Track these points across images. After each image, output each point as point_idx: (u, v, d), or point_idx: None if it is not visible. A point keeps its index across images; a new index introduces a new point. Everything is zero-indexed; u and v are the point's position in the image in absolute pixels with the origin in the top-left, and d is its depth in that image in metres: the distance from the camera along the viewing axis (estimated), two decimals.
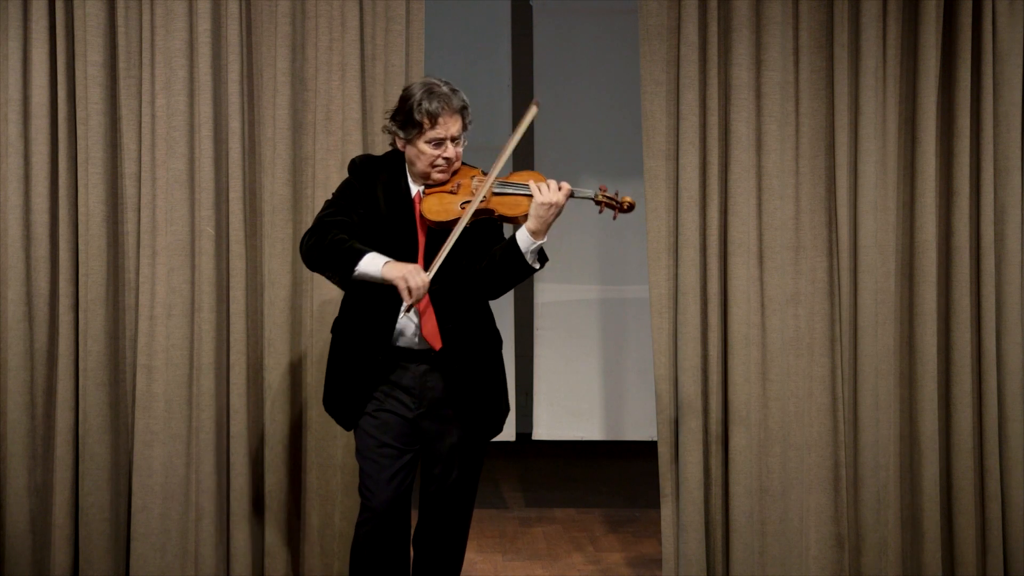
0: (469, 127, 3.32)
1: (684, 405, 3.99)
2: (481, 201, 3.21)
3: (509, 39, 5.90)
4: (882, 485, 4.03)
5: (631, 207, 3.25)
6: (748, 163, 4.00)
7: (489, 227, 3.34)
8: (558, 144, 5.93)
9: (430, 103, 3.22)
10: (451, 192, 3.28)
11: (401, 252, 3.26)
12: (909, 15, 4.07)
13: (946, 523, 4.09)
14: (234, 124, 3.95)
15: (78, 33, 3.92)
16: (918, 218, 4.07)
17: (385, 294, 3.26)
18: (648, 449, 4.95)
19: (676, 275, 4.02)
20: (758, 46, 4.02)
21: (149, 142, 3.95)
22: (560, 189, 3.19)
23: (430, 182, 3.31)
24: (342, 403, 3.39)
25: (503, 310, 6.04)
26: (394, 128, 3.30)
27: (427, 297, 3.24)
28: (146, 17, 3.94)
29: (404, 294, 3.12)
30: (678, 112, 4.02)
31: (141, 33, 3.95)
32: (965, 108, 4.05)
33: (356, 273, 3.18)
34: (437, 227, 3.24)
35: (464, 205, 3.22)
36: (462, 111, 3.27)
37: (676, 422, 4.03)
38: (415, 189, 3.34)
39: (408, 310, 3.20)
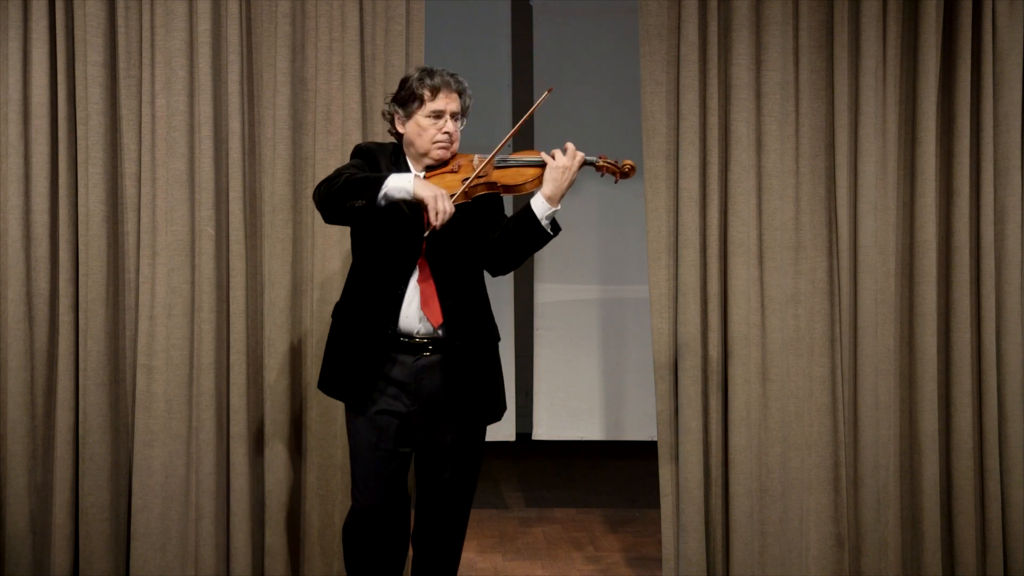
0: (468, 112, 3.40)
1: (684, 405, 3.99)
2: (484, 177, 3.26)
3: (509, 39, 5.91)
4: (882, 485, 4.03)
5: (632, 169, 3.33)
6: (748, 163, 4.01)
7: (491, 203, 3.38)
8: (558, 144, 5.91)
9: (431, 79, 3.33)
10: (452, 171, 3.33)
11: (413, 243, 3.29)
12: (909, 15, 4.07)
13: (946, 523, 4.09)
14: (234, 124, 3.95)
15: (78, 33, 3.92)
16: (918, 218, 4.07)
17: (391, 271, 3.30)
18: (648, 449, 4.95)
19: (676, 275, 4.02)
20: (758, 46, 4.02)
21: (149, 142, 3.95)
22: (575, 156, 3.28)
23: (430, 162, 3.36)
24: (347, 384, 3.38)
25: (503, 310, 6.05)
26: (394, 107, 3.38)
27: (430, 275, 3.30)
28: (146, 17, 3.94)
29: (431, 213, 3.13)
30: (678, 112, 4.02)
31: (141, 33, 3.95)
32: (965, 108, 4.05)
33: (384, 192, 3.15)
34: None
35: (466, 181, 3.26)
36: (461, 93, 3.36)
37: (676, 421, 4.03)
38: (416, 174, 3.36)
39: (430, 232, 3.18)
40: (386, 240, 3.31)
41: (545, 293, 6.11)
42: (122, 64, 3.96)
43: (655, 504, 4.13)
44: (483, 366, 3.40)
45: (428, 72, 3.34)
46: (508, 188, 3.29)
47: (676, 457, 4.03)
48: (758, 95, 4.02)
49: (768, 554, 4.01)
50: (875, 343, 4.02)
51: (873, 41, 4.03)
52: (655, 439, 4.12)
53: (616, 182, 3.39)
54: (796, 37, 4.06)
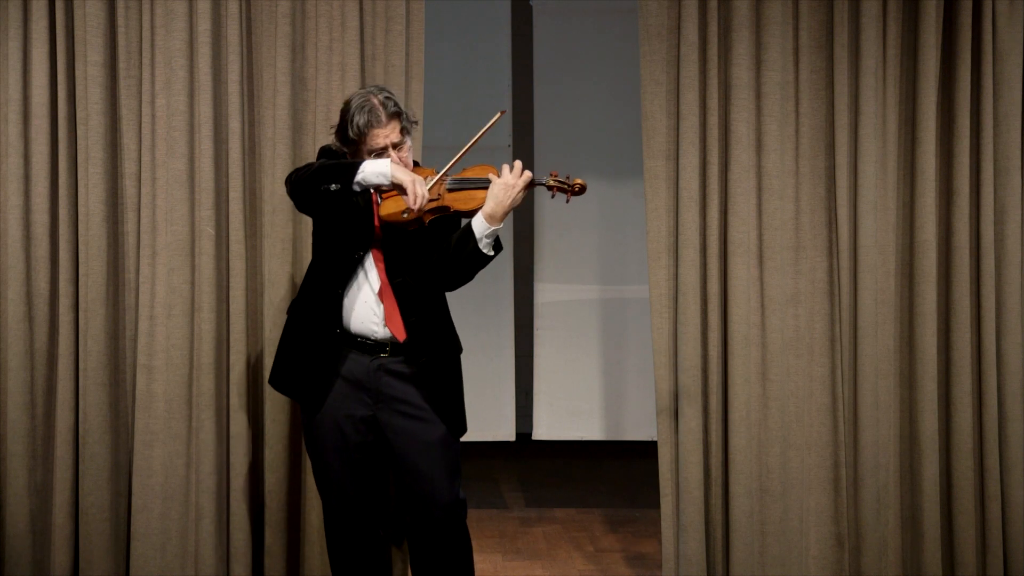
0: (411, 128, 3.37)
1: (684, 405, 3.99)
2: (435, 200, 3.24)
3: (509, 39, 5.90)
4: (882, 485, 4.03)
5: (582, 189, 3.28)
6: (748, 163, 4.01)
7: (450, 224, 3.38)
8: (558, 144, 5.93)
9: (360, 117, 3.28)
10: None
11: (358, 246, 3.33)
12: (909, 15, 4.07)
13: (946, 523, 4.09)
14: (234, 124, 3.95)
15: (78, 33, 3.92)
16: (918, 218, 4.07)
17: (337, 269, 3.34)
18: (648, 449, 4.95)
19: (676, 275, 4.02)
20: (758, 46, 4.02)
21: (149, 142, 3.95)
22: (521, 175, 3.24)
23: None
24: (300, 381, 3.42)
25: (503, 310, 6.05)
26: (338, 145, 3.40)
27: (391, 291, 3.32)
28: (146, 17, 3.94)
29: (410, 197, 3.14)
30: (678, 112, 4.02)
31: (141, 33, 3.95)
32: (965, 108, 4.05)
33: (360, 176, 3.17)
34: (392, 220, 3.26)
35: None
36: (396, 116, 3.31)
37: (676, 422, 4.02)
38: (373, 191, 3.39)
39: (406, 215, 3.19)
40: (336, 238, 3.33)
41: (545, 293, 6.11)
42: (122, 64, 3.95)
43: (655, 504, 4.13)
44: (446, 377, 3.42)
45: (359, 108, 3.28)
46: (460, 213, 3.28)
47: (676, 457, 4.03)
48: (758, 95, 4.02)
49: (768, 554, 4.02)
50: (875, 343, 4.02)
51: (873, 41, 4.02)
52: (655, 439, 4.12)
53: (568, 201, 3.34)
54: (796, 37, 4.06)
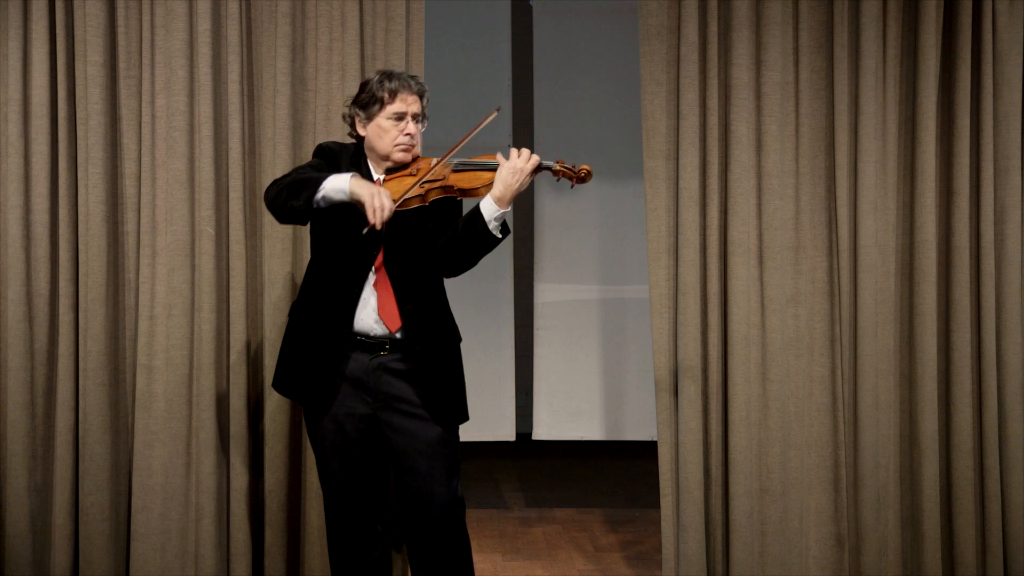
0: (428, 115, 3.41)
1: (684, 405, 3.99)
2: (440, 180, 3.25)
3: (509, 39, 5.90)
4: (882, 485, 4.03)
5: (588, 175, 3.30)
6: (748, 163, 4.01)
7: (450, 207, 3.37)
8: (558, 144, 5.92)
9: (390, 81, 3.34)
10: (411, 175, 3.33)
11: (371, 247, 3.31)
12: (909, 15, 4.07)
13: (946, 523, 4.09)
14: (234, 124, 3.95)
15: (78, 33, 3.92)
16: (918, 218, 4.07)
17: (347, 273, 3.32)
18: (648, 449, 4.95)
19: (676, 275, 4.02)
20: (758, 46, 4.02)
21: (149, 142, 3.95)
22: (529, 160, 3.26)
23: (391, 164, 3.37)
24: (303, 383, 3.42)
25: (503, 310, 6.06)
26: (355, 110, 3.39)
27: (387, 279, 3.31)
28: (146, 17, 3.94)
29: (369, 212, 3.12)
30: (678, 112, 4.02)
31: (141, 33, 3.95)
32: (965, 108, 4.05)
33: (321, 194, 3.16)
34: (399, 205, 3.25)
35: (424, 184, 3.26)
36: (421, 95, 3.37)
37: (676, 422, 4.03)
38: (376, 176, 3.39)
39: (368, 230, 3.18)
40: (339, 240, 3.33)
41: (545, 293, 6.10)
42: (122, 64, 3.96)
43: (655, 504, 4.13)
44: (444, 368, 3.41)
45: (387, 75, 3.36)
46: (464, 192, 3.29)
47: (676, 457, 4.03)
48: (758, 95, 4.02)
49: (768, 554, 4.02)
50: (875, 343, 4.02)
51: (873, 41, 4.03)
52: (655, 439, 4.12)
53: (572, 187, 3.36)
54: (796, 37, 4.06)
